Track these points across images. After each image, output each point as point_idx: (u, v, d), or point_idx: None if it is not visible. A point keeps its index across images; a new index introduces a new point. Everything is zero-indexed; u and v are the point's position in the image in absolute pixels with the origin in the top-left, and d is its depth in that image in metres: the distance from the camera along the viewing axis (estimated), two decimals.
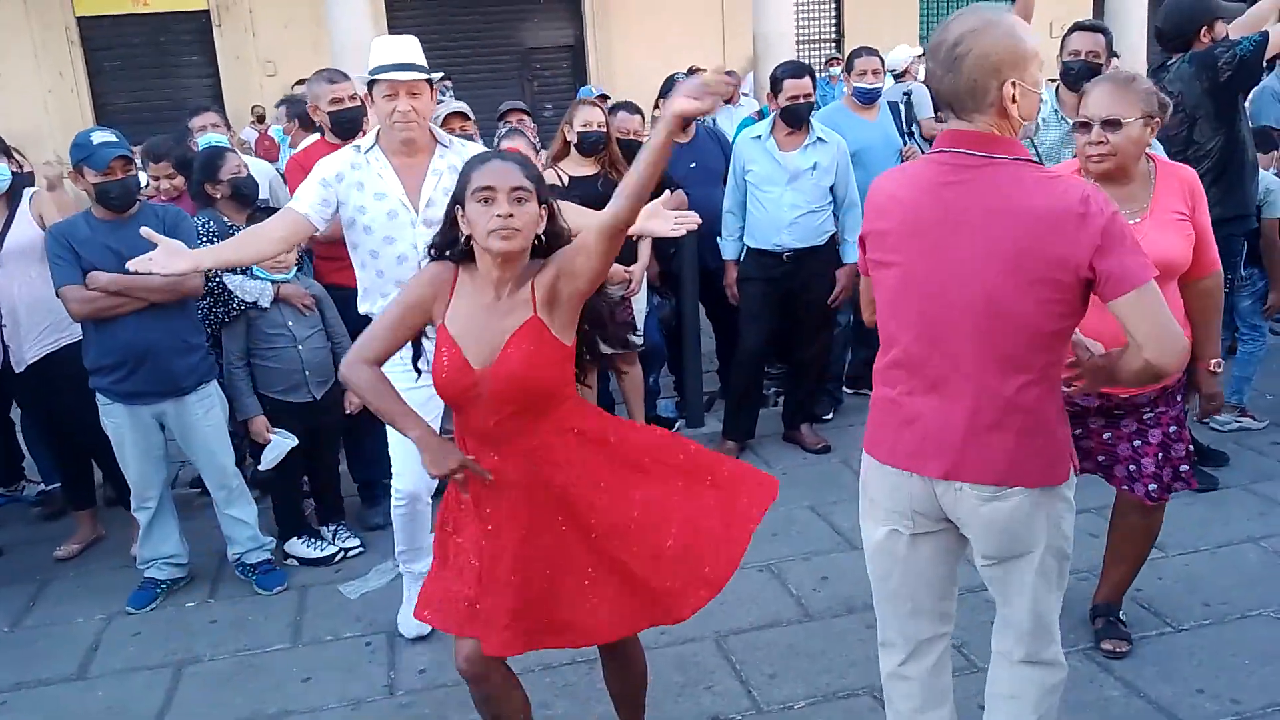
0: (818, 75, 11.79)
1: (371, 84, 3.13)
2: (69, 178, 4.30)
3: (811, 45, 14.99)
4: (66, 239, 3.51)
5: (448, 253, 2.25)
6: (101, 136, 3.53)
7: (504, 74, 14.29)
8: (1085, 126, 2.72)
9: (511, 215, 2.12)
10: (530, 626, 2.22)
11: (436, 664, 3.22)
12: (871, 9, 15.00)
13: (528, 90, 14.57)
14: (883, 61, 5.35)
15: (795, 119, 4.63)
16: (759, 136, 4.71)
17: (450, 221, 2.23)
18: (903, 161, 5.07)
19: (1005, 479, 1.95)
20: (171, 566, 3.82)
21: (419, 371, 2.36)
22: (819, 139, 4.68)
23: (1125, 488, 2.91)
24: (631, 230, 2.19)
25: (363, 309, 3.31)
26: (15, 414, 4.61)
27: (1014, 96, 1.90)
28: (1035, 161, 2.02)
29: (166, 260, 2.86)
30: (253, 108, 12.21)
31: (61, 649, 3.49)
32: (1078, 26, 4.22)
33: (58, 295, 3.53)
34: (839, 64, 12.14)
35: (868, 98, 5.11)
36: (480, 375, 2.15)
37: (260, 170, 4.66)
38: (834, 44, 15.42)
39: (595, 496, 2.22)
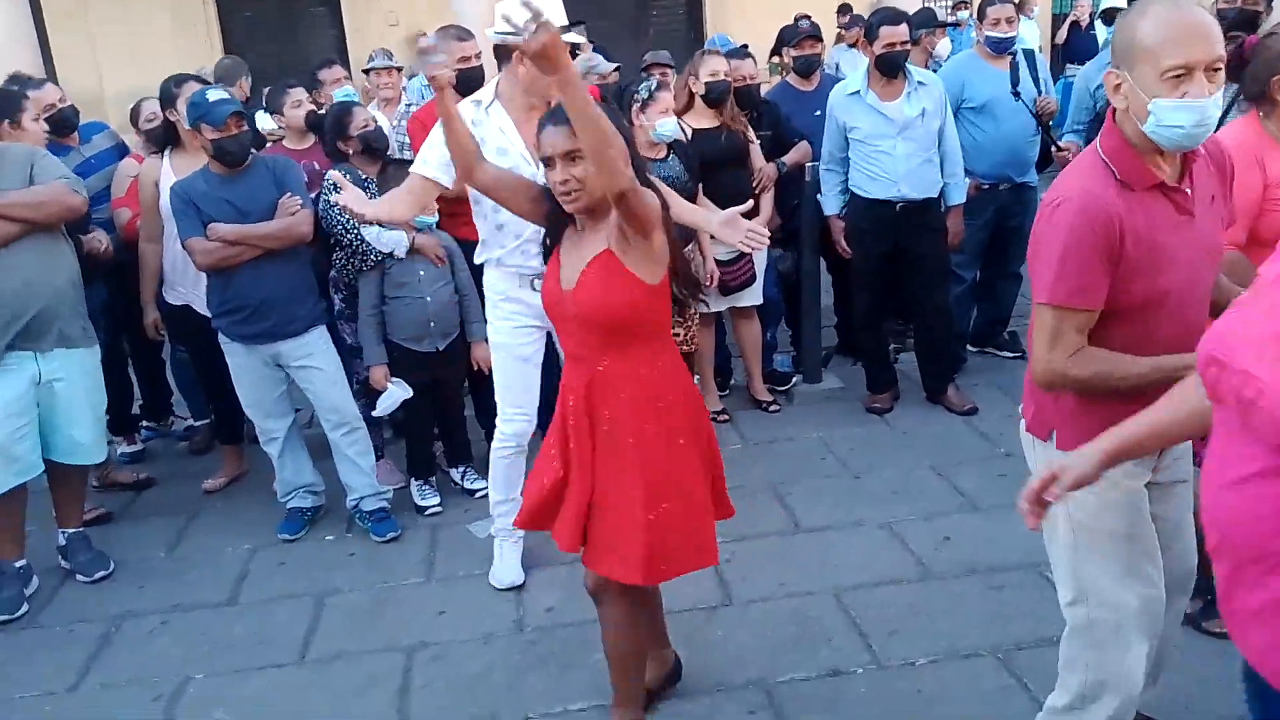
0: (945, 21, 11.46)
1: (502, 44, 3.18)
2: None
3: None
4: (187, 194, 3.69)
5: None
6: (217, 94, 3.68)
7: (620, 22, 14.20)
8: None
9: (568, 180, 2.29)
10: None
11: (562, 603, 3.34)
12: None
13: (642, 40, 14.48)
14: (1017, 7, 5.14)
15: (891, 68, 4.51)
16: (856, 92, 4.59)
17: None
18: (1036, 114, 4.89)
19: None
20: (312, 495, 4.05)
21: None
22: (920, 83, 4.56)
23: None
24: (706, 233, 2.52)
25: (479, 259, 3.43)
26: (164, 353, 4.89)
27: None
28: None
29: (357, 204, 2.98)
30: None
31: (212, 576, 3.73)
32: None
33: (183, 247, 3.73)
34: (966, 8, 11.73)
35: (1000, 47, 4.92)
36: (565, 295, 2.38)
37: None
38: None
39: (624, 444, 2.37)
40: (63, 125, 4.39)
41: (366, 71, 6.04)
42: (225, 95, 3.66)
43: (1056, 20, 13.08)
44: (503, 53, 3.29)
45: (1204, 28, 1.83)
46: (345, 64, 13.46)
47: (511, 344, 3.35)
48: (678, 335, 4.44)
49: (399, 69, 5.69)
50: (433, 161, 3.19)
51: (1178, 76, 1.82)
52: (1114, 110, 1.99)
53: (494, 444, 3.44)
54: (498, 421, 3.41)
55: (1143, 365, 1.92)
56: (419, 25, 12.81)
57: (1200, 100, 1.82)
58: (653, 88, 4.22)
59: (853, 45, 9.41)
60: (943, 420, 4.65)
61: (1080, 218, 1.89)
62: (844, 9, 11.71)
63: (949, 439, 4.44)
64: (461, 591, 3.50)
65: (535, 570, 3.52)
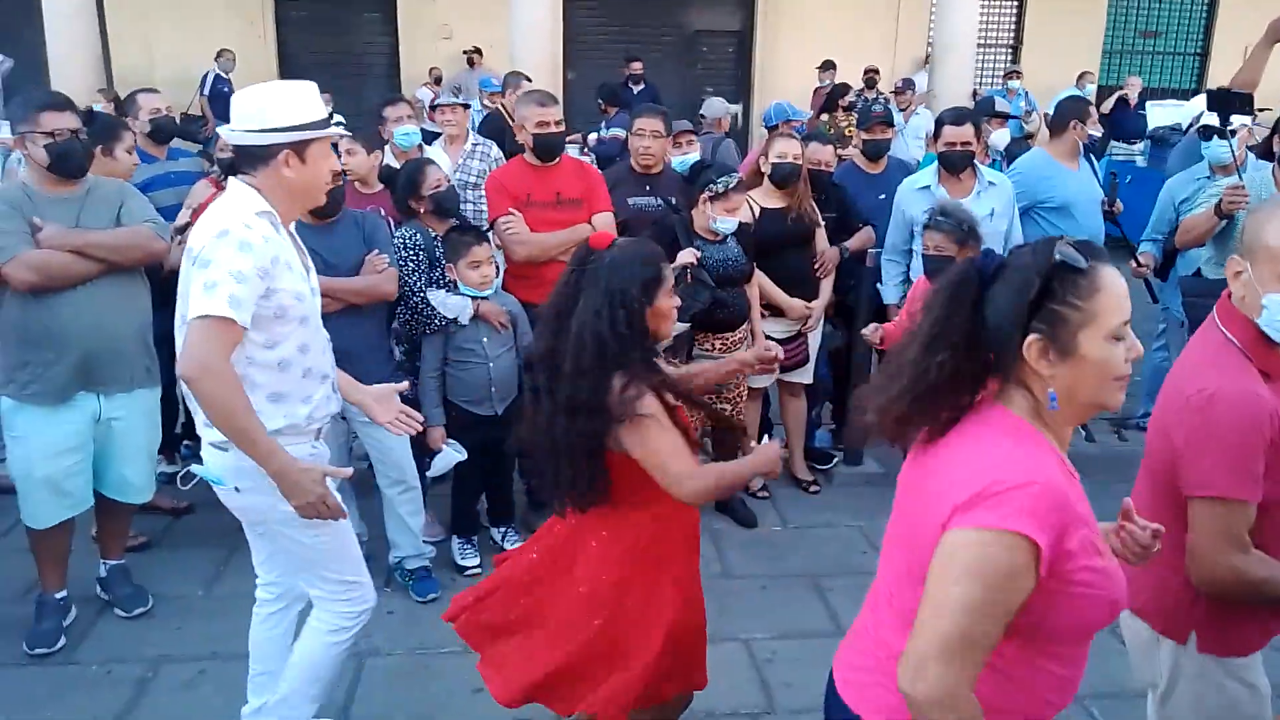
0: (995, 88, 11.50)
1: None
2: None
3: (988, 50, 14.48)
4: None
5: None
6: None
7: (669, 55, 14.27)
8: None
9: None
10: None
11: None
12: (1054, 14, 14.38)
13: (690, 73, 14.55)
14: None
15: (950, 166, 4.54)
16: (926, 186, 4.62)
17: None
18: (1106, 214, 4.90)
19: None
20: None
21: None
22: (990, 183, 4.58)
23: None
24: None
25: None
26: None
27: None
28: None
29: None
30: (430, 70, 12.52)
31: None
32: None
33: None
34: (1019, 78, 11.76)
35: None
36: None
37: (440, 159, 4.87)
38: (1011, 51, 14.88)
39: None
40: (160, 132, 4.46)
41: (433, 107, 6.05)
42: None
43: (1102, 91, 13.10)
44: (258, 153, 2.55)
45: None
46: (396, 70, 13.62)
47: None
48: (725, 409, 4.46)
49: (466, 106, 5.72)
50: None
51: None
52: (1229, 292, 2.02)
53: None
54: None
55: None
56: (472, 39, 12.89)
57: None
58: (730, 185, 4.19)
59: (903, 109, 9.45)
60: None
61: (1243, 411, 1.89)
62: (827, 65, 11.81)
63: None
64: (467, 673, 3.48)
65: None
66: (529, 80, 4.51)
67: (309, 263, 2.71)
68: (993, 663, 1.51)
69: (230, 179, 2.59)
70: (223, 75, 12.02)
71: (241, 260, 2.37)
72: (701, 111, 7.49)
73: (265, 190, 2.51)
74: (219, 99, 11.58)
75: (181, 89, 11.21)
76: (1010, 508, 1.45)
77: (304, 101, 2.52)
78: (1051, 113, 5.07)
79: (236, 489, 2.56)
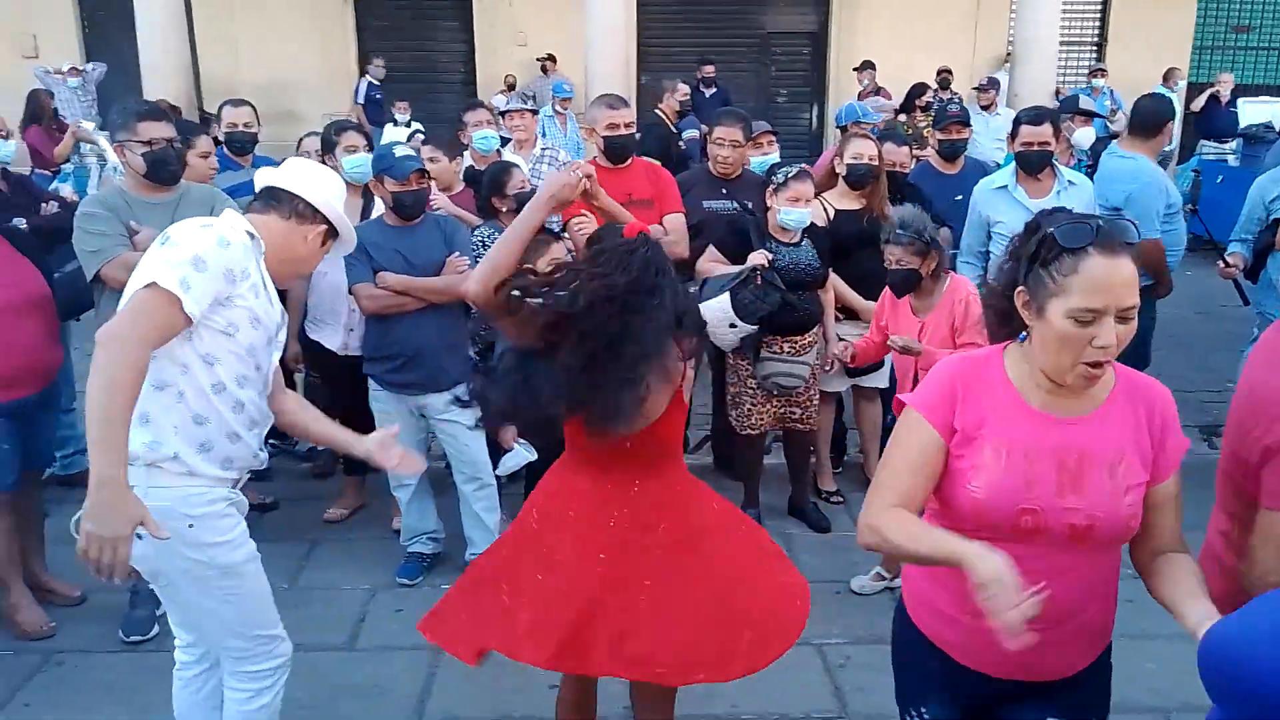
0: (1079, 86, 11.24)
1: None
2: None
3: (1071, 48, 14.15)
4: (361, 242, 3.79)
5: None
6: (403, 150, 3.83)
7: (742, 56, 14.23)
8: None
9: None
10: None
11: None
12: (1142, 9, 13.97)
13: (764, 74, 14.49)
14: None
15: (1028, 167, 4.46)
16: (1003, 186, 4.54)
17: None
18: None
19: None
20: (432, 541, 4.15)
21: None
22: (1069, 183, 4.48)
23: None
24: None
25: None
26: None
27: None
28: None
29: None
30: (505, 76, 12.68)
31: (332, 615, 3.83)
32: None
33: (350, 292, 3.85)
34: (1104, 76, 11.48)
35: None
36: None
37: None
38: (1095, 49, 14.50)
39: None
40: (234, 143, 4.65)
41: (503, 113, 6.15)
42: (411, 152, 3.81)
43: (1192, 88, 12.72)
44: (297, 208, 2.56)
45: None
46: (472, 77, 13.82)
47: None
48: (794, 414, 4.44)
49: (534, 112, 5.81)
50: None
51: None
52: None
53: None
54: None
55: None
56: (546, 45, 13.03)
57: None
58: (790, 174, 4.19)
59: (985, 108, 9.30)
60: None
61: None
62: (865, 65, 11.65)
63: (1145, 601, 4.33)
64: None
65: None
66: (624, 102, 4.55)
67: (282, 319, 2.56)
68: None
69: (229, 209, 2.53)
70: (374, 83, 12.36)
71: (211, 251, 2.20)
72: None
73: (270, 234, 2.43)
74: (372, 105, 11.92)
75: (265, 96, 11.53)
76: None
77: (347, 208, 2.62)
78: (1133, 112, 4.88)
79: (139, 535, 2.08)
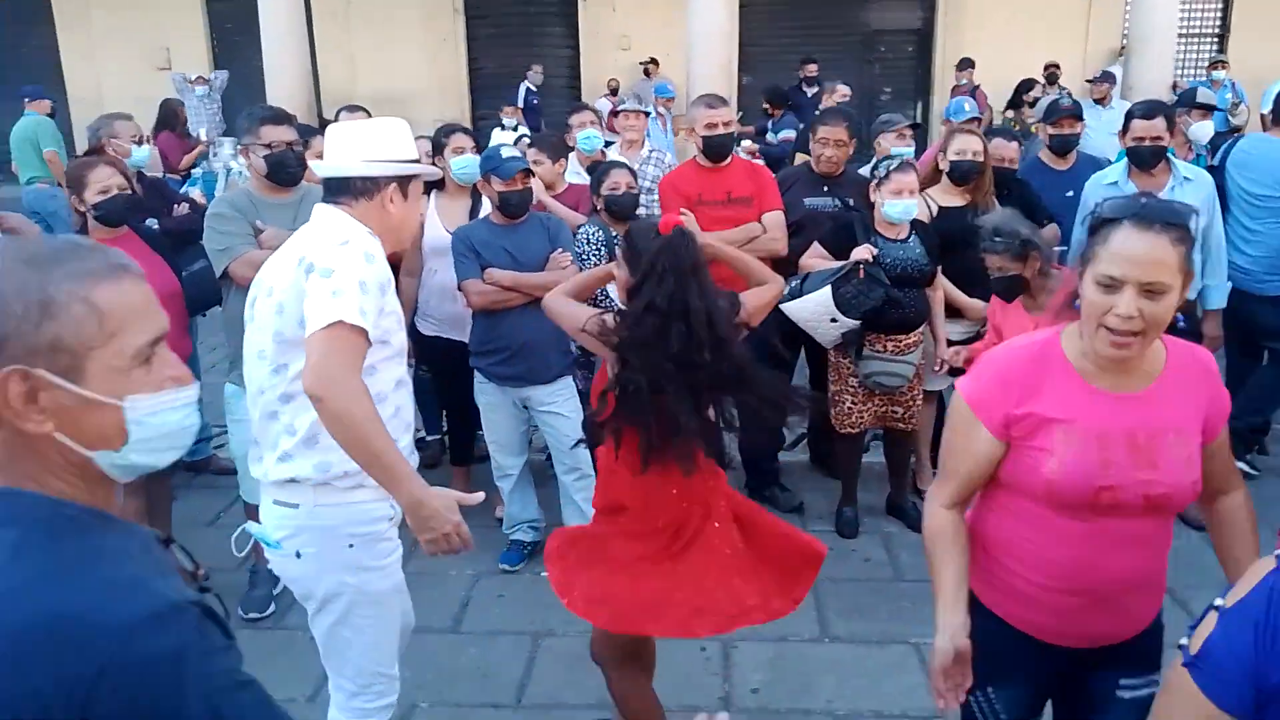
0: (1198, 79, 10.75)
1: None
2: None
3: (1190, 40, 13.59)
4: (469, 240, 3.95)
5: None
6: (509, 152, 3.95)
7: (846, 56, 14.08)
8: None
9: None
10: None
11: (767, 684, 3.36)
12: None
13: (867, 73, 14.32)
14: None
15: (1140, 162, 4.31)
16: (1114, 183, 4.39)
17: None
18: None
19: None
20: (533, 530, 4.26)
21: None
22: (1185, 179, 4.31)
23: None
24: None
25: None
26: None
27: None
28: None
29: None
30: (608, 81, 12.84)
31: (439, 599, 3.96)
32: None
33: (459, 289, 3.98)
34: (1225, 68, 10.98)
35: None
36: None
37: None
38: (1217, 40, 13.89)
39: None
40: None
41: (615, 113, 6.25)
42: (516, 154, 3.92)
43: None
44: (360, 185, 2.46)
45: None
46: (576, 80, 14.02)
47: None
48: (896, 413, 4.40)
49: (646, 113, 5.89)
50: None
51: None
52: None
53: None
54: None
55: None
56: (649, 48, 13.14)
57: None
58: (892, 167, 4.17)
59: (1098, 101, 9.01)
60: (1180, 532, 4.37)
61: None
62: (964, 63, 11.33)
63: (1183, 555, 4.18)
64: (669, 659, 3.54)
65: (743, 644, 3.57)
66: (723, 101, 4.63)
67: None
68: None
69: (318, 206, 2.44)
70: (533, 89, 12.70)
71: (366, 270, 2.21)
72: None
73: (364, 220, 2.37)
74: (531, 111, 12.17)
75: (382, 105, 11.95)
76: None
77: (405, 139, 2.44)
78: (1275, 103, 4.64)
79: (298, 554, 2.25)
